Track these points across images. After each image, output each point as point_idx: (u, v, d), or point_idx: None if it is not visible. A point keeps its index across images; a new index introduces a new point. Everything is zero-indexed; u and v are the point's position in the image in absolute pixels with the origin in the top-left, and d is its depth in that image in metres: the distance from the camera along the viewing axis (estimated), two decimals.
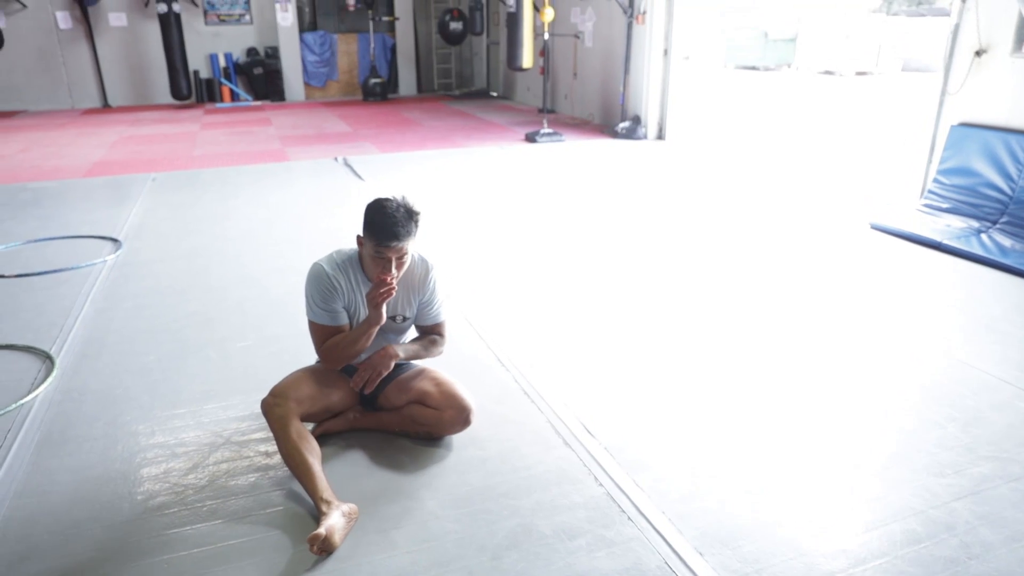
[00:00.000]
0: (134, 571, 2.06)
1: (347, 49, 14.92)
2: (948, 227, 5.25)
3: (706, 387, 3.12)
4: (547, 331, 3.71)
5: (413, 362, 2.77)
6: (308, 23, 14.81)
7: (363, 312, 2.52)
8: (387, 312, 2.54)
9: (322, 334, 2.52)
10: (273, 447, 2.48)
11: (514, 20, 9.82)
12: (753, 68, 22.89)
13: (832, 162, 8.51)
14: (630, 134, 9.70)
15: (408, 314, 2.63)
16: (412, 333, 2.80)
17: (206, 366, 3.31)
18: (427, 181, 7.28)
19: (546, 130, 9.55)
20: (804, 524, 2.24)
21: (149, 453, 2.62)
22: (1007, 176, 5.20)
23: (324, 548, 2.06)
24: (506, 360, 3.35)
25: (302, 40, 14.29)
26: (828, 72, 21.51)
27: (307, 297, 2.51)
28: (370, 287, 2.42)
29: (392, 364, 2.58)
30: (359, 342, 2.48)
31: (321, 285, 2.46)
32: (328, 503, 2.18)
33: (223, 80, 13.84)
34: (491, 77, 15.27)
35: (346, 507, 2.20)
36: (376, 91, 14.10)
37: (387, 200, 2.37)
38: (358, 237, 2.44)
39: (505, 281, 4.46)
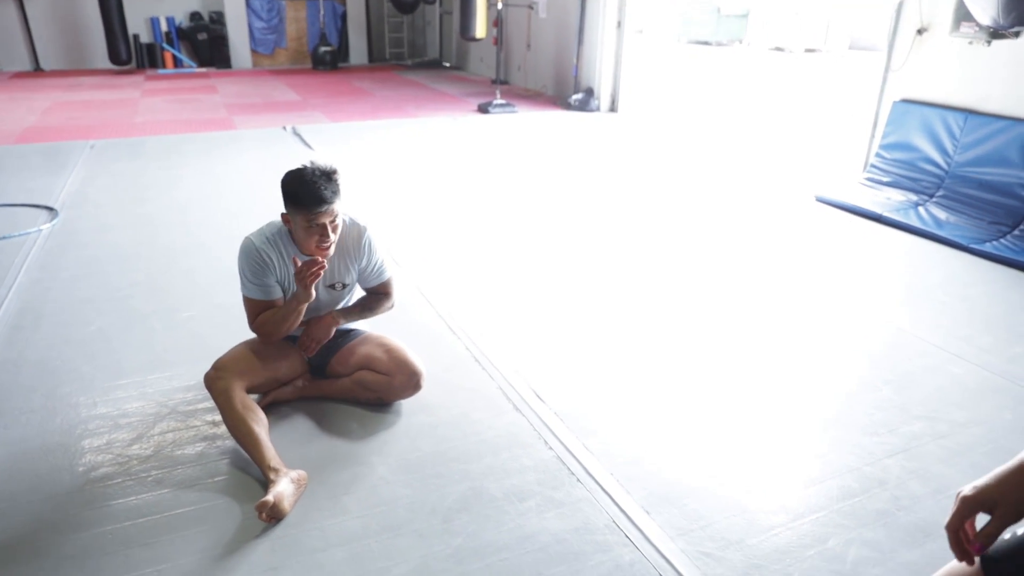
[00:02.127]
0: (76, 543, 2.01)
1: (296, 16, 14.49)
2: (889, 200, 5.42)
3: (655, 353, 3.18)
4: (498, 299, 3.72)
5: (362, 329, 2.75)
6: None
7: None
8: (324, 282, 2.51)
9: (255, 308, 2.48)
10: (220, 416, 2.44)
11: None
12: (706, 43, 23.04)
13: (780, 137, 8.67)
14: (583, 106, 9.70)
15: (348, 280, 2.59)
16: (358, 292, 2.74)
17: (151, 336, 3.22)
18: (378, 151, 7.17)
19: (499, 101, 9.48)
20: (747, 483, 2.32)
21: (91, 424, 2.55)
22: (944, 151, 5.38)
23: (273, 515, 2.05)
24: (457, 328, 3.35)
25: (248, 5, 13.81)
26: (778, 49, 21.81)
27: (240, 272, 2.46)
28: (301, 262, 2.32)
29: (332, 331, 2.55)
30: (289, 319, 2.42)
31: (251, 259, 2.41)
32: (276, 471, 2.16)
33: (165, 45, 13.31)
34: (444, 47, 15.03)
35: (295, 474, 2.19)
36: (326, 59, 13.76)
37: (300, 169, 2.30)
38: (283, 215, 2.37)
39: (456, 250, 4.44)
